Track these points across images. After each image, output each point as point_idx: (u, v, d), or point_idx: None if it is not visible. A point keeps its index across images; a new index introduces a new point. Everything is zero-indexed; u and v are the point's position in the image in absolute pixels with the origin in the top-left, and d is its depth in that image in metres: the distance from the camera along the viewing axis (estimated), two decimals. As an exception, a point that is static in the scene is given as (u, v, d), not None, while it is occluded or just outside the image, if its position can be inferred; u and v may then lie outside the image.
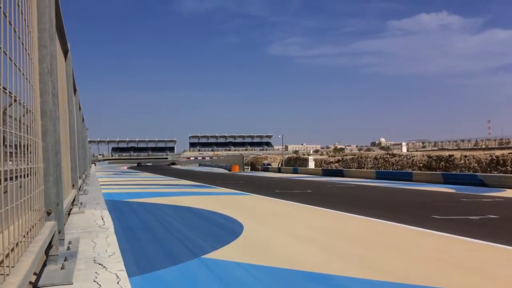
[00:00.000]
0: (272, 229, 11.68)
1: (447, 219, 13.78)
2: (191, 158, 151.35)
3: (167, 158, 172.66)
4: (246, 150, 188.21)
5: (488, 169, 39.24)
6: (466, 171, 40.40)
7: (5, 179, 2.46)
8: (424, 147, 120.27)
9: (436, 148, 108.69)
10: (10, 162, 2.81)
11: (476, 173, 36.73)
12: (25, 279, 2.37)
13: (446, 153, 48.59)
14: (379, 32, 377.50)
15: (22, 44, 3.16)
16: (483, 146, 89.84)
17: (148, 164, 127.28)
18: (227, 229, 11.47)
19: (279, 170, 69.56)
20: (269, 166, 75.14)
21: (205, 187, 31.01)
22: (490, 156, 40.90)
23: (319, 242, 9.85)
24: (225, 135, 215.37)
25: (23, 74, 3.13)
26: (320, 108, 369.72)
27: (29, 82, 3.42)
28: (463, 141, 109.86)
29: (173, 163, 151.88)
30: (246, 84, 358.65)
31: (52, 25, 4.53)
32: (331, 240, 10.13)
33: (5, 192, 2.49)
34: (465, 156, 43.55)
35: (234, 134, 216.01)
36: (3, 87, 2.50)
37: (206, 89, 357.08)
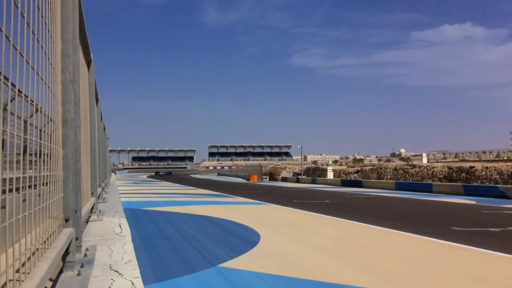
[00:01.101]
0: (289, 239, 11.65)
1: (467, 231, 13.61)
2: (210, 168, 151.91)
3: (186, 168, 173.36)
4: (265, 160, 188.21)
5: (510, 180, 38.64)
6: (487, 183, 39.86)
7: (24, 187, 2.51)
8: (444, 158, 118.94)
9: (457, 159, 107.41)
10: (31, 170, 2.86)
11: (498, 185, 36.19)
12: (40, 284, 2.42)
13: (467, 165, 48.01)
14: (402, 43, 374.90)
15: (45, 53, 3.22)
16: (505, 158, 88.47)
17: (161, 173, 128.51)
18: (244, 239, 11.48)
19: (297, 180, 69.37)
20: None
21: (223, 196, 31.06)
22: (512, 167, 40.29)
23: (337, 252, 9.79)
24: (244, 145, 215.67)
25: (45, 83, 3.20)
26: (340, 118, 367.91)
27: (51, 91, 3.49)
28: (484, 152, 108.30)
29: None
30: (266, 95, 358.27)
31: (75, 36, 4.62)
32: (349, 251, 10.07)
33: (24, 200, 2.55)
34: (487, 168, 42.98)
35: (253, 144, 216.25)
36: (25, 95, 2.56)
37: (227, 99, 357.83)
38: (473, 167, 44.90)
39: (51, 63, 3.53)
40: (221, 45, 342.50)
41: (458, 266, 8.49)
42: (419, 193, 36.56)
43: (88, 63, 8.70)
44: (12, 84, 2.16)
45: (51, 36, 3.54)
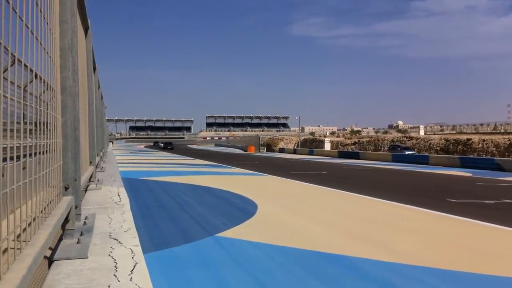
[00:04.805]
0: (286, 209, 11.74)
1: (462, 203, 13.72)
2: (208, 138, 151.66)
3: (183, 138, 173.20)
4: (262, 131, 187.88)
5: (506, 153, 38.84)
6: (484, 155, 40.05)
7: (24, 155, 2.51)
8: (442, 130, 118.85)
9: (454, 131, 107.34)
10: (30, 139, 2.86)
11: (494, 157, 36.35)
12: (41, 251, 2.44)
13: (464, 137, 48.18)
14: (403, 13, 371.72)
15: (44, 18, 3.18)
16: (502, 131, 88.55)
17: (161, 144, 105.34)
18: (241, 209, 11.56)
19: (294, 152, 69.50)
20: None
21: (221, 167, 31.16)
22: (509, 140, 40.44)
23: (334, 223, 9.88)
24: (242, 115, 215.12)
25: (44, 49, 3.17)
26: (338, 89, 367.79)
27: (50, 57, 3.45)
28: (482, 125, 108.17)
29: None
30: (264, 65, 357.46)
31: (73, 0, 4.56)
32: (345, 221, 10.17)
33: (24, 168, 2.55)
34: (483, 140, 43.15)
35: (251, 115, 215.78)
36: (24, 64, 2.53)
37: (225, 69, 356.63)
38: (470, 139, 45.07)
39: (50, 28, 3.48)
40: (220, 14, 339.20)
41: (454, 238, 8.59)
42: (415, 165, 36.71)
43: (86, 30, 8.58)
44: (6, 49, 2.13)
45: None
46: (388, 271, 6.15)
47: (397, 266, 6.38)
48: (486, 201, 14.16)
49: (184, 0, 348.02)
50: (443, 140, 49.02)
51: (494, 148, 40.85)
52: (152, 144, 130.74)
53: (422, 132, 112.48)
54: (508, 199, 14.95)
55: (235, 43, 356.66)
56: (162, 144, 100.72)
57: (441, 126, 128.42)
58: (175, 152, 65.97)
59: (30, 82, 2.82)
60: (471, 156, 40.66)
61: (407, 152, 46.03)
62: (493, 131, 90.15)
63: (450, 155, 40.80)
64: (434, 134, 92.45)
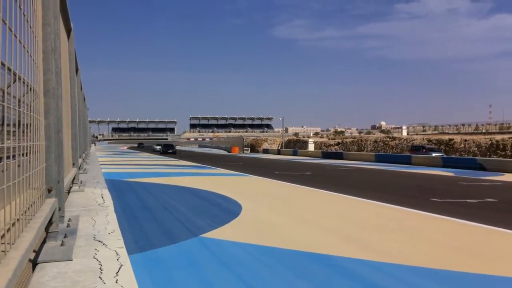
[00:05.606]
0: (270, 209, 11.75)
1: (446, 202, 13.85)
2: (191, 139, 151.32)
3: (167, 139, 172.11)
4: (246, 132, 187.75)
5: (488, 153, 39.32)
6: (466, 155, 40.47)
7: (7, 157, 2.48)
8: (424, 130, 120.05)
9: (436, 132, 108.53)
10: (9, 141, 2.82)
11: (476, 157, 36.79)
12: (26, 254, 2.41)
13: (446, 137, 48.69)
14: (386, 15, 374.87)
15: (27, 21, 3.15)
16: (484, 131, 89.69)
17: (157, 147, 78.16)
18: (226, 210, 11.54)
19: (278, 152, 69.63)
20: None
21: (205, 168, 31.09)
22: (490, 140, 40.98)
23: (318, 223, 9.92)
24: (226, 116, 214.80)
25: (28, 52, 3.14)
26: (322, 91, 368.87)
27: (33, 60, 3.43)
28: (463, 125, 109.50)
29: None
30: (249, 66, 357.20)
31: (56, 4, 4.53)
32: (330, 221, 10.20)
33: (2, 170, 2.52)
34: (465, 140, 43.63)
35: (235, 116, 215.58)
36: (8, 68, 2.50)
37: (208, 70, 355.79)
38: (452, 139, 45.56)
39: (33, 31, 3.46)
40: (203, 16, 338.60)
41: (437, 237, 8.66)
42: (398, 165, 36.99)
43: (68, 32, 8.53)
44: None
45: (32, 3, 3.46)
46: (374, 271, 6.18)
47: (383, 266, 6.42)
48: (469, 200, 14.31)
49: (167, 2, 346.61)
50: (426, 140, 49.48)
51: (476, 148, 41.34)
52: (136, 145, 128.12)
53: (405, 133, 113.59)
54: (490, 198, 15.13)
55: (218, 44, 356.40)
56: (158, 147, 78.19)
57: (423, 127, 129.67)
58: (158, 154, 65.56)
59: (13, 83, 2.79)
60: (453, 156, 41.07)
61: (434, 154, 40.07)
62: (475, 131, 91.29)
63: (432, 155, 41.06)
64: (417, 134, 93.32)
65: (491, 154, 38.86)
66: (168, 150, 65.88)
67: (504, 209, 12.80)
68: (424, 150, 42.66)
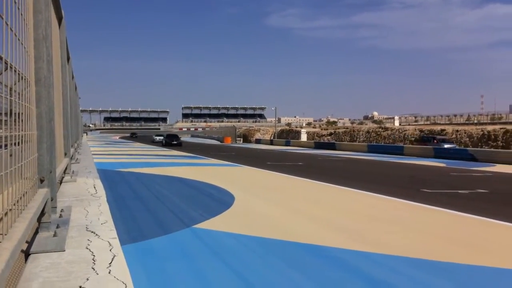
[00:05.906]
0: (263, 200, 11.77)
1: (437, 193, 13.92)
2: (184, 129, 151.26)
3: (159, 129, 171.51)
4: (239, 122, 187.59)
5: (479, 144, 39.52)
6: (458, 146, 40.61)
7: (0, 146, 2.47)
8: (416, 121, 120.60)
9: (428, 122, 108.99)
10: (0, 130, 2.80)
11: (467, 148, 36.89)
12: (18, 244, 2.40)
13: (438, 128, 48.85)
14: (380, 4, 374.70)
15: (18, 9, 3.11)
16: (475, 121, 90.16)
17: (157, 138, 72.26)
18: (218, 200, 11.55)
19: (271, 142, 69.64)
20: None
21: (197, 158, 31.05)
22: (482, 131, 41.16)
23: (311, 214, 9.94)
24: (218, 106, 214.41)
25: (19, 40, 3.11)
26: (315, 81, 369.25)
27: (24, 47, 3.39)
28: (455, 115, 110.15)
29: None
30: (241, 56, 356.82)
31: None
32: (322, 212, 10.23)
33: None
34: (457, 131, 43.81)
35: (227, 106, 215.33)
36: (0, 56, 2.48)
37: (201, 60, 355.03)
38: (444, 130, 45.72)
39: (24, 19, 3.41)
40: (197, 6, 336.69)
41: (428, 227, 8.71)
42: (390, 156, 37.10)
43: (59, 20, 8.44)
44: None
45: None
46: (367, 261, 6.22)
47: (376, 256, 6.45)
48: (460, 191, 14.38)
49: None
50: (418, 130, 49.65)
51: (468, 139, 41.53)
52: (128, 135, 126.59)
53: (397, 123, 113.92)
54: (481, 189, 15.22)
55: (211, 34, 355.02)
56: (159, 138, 72.29)
57: (415, 117, 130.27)
58: (151, 143, 65.38)
59: (4, 71, 2.76)
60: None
61: (445, 146, 37.22)
62: (467, 122, 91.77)
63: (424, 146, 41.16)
64: (409, 124, 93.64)
65: (483, 145, 39.06)
66: (172, 141, 59.45)
67: (495, 200, 12.87)
68: (435, 141, 39.89)
